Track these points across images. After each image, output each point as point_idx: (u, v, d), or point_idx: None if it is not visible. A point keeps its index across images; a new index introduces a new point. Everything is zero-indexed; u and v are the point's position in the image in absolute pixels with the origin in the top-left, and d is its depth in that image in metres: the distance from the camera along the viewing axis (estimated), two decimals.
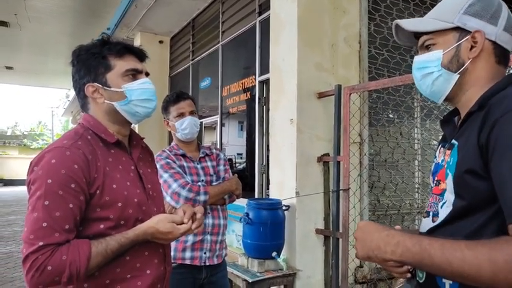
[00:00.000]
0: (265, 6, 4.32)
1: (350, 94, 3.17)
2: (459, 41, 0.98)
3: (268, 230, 3.01)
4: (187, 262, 2.08)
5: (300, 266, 3.22)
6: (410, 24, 1.06)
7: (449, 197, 0.96)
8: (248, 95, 4.73)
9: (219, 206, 2.20)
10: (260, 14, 4.46)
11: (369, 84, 3.17)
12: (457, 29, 0.99)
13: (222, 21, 5.39)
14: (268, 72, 3.81)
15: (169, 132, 2.51)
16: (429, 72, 1.02)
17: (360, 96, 3.43)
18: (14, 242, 7.15)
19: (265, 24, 4.15)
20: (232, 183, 2.21)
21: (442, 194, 1.00)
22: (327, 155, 3.37)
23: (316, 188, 3.34)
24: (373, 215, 3.69)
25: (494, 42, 0.97)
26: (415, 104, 4.17)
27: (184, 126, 2.13)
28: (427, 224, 1.04)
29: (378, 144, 3.76)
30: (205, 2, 5.75)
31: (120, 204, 1.18)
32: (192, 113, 2.18)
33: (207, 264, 2.11)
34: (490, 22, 0.97)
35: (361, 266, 3.46)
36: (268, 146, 3.93)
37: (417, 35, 1.07)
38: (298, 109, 3.28)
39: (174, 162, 2.13)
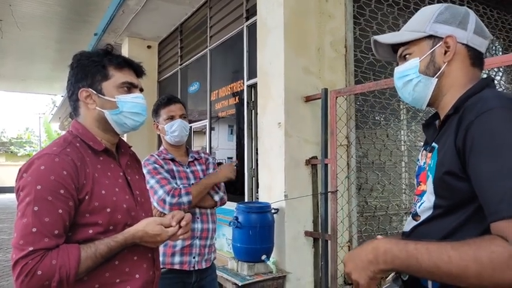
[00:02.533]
0: (252, 11, 4.36)
1: (336, 98, 3.22)
2: (433, 47, 1.05)
3: (258, 234, 3.03)
4: (177, 267, 2.08)
5: (290, 268, 3.24)
6: (387, 38, 1.13)
7: (430, 197, 1.00)
8: (237, 99, 4.75)
9: (208, 210, 2.21)
10: (247, 19, 4.49)
11: (355, 88, 3.22)
12: (430, 37, 1.05)
13: (210, 26, 5.42)
14: (256, 76, 3.84)
15: (159, 137, 2.51)
16: (409, 79, 1.08)
17: (346, 99, 3.48)
18: (1, 250, 7.04)
19: (253, 29, 4.18)
20: (210, 177, 2.18)
21: (421, 194, 1.05)
22: (315, 157, 3.41)
23: (305, 191, 3.38)
24: (361, 216, 3.74)
25: (467, 46, 1.03)
26: (401, 107, 4.24)
27: (174, 128, 2.14)
28: (409, 223, 1.09)
29: (364, 146, 3.81)
30: (193, 7, 5.77)
31: (109, 210, 1.20)
32: (182, 117, 2.20)
33: (196, 268, 2.12)
34: (459, 27, 1.03)
35: None
36: (257, 149, 3.96)
37: (395, 47, 1.14)
38: (286, 113, 3.32)
39: (162, 167, 2.13)
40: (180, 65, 6.43)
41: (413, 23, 1.10)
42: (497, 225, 0.81)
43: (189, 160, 2.26)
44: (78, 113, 1.33)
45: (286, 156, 3.30)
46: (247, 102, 4.40)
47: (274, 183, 3.41)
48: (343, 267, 3.52)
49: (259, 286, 3.01)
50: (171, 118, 2.17)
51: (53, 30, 7.70)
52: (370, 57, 3.84)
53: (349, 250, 3.54)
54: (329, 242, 3.18)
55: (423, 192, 1.04)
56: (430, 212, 1.00)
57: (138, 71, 1.38)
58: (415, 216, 1.07)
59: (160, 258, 1.98)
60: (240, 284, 2.88)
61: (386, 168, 3.94)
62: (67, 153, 1.18)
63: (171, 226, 1.31)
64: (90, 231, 1.17)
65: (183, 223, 1.35)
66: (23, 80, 12.45)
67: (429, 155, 1.03)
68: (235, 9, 4.79)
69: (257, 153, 4.00)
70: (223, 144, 5.41)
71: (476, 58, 1.05)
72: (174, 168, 2.17)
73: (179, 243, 2.08)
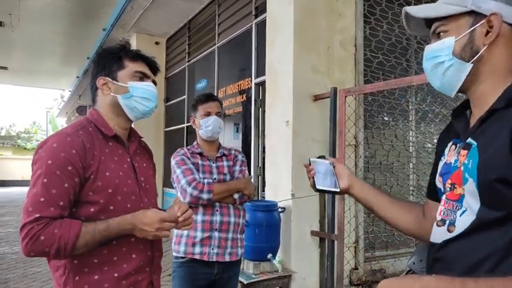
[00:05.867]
0: (261, 9, 4.34)
1: (345, 97, 3.19)
2: (473, 26, 0.88)
3: (264, 232, 3.01)
4: (197, 257, 2.14)
5: (295, 268, 3.22)
6: (420, 10, 0.96)
7: (472, 204, 0.84)
8: (244, 97, 4.73)
9: (229, 205, 2.23)
10: (256, 16, 4.47)
11: (364, 87, 3.19)
12: (471, 13, 0.88)
13: (218, 23, 5.40)
14: (264, 74, 3.82)
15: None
16: (440, 61, 0.92)
17: (355, 99, 3.45)
18: (8, 243, 7.08)
19: (262, 27, 4.16)
20: (240, 182, 2.26)
21: (460, 200, 0.88)
22: (323, 157, 3.38)
23: (312, 190, 3.34)
24: (368, 217, 3.71)
25: None
26: (410, 107, 4.20)
27: (209, 123, 2.26)
28: (441, 233, 0.91)
29: (373, 146, 3.78)
30: (202, 4, 5.76)
31: (110, 191, 1.30)
32: (217, 114, 2.32)
33: (215, 260, 2.16)
34: (508, 3, 0.86)
35: (356, 268, 3.47)
36: (264, 148, 3.94)
37: (429, 22, 0.97)
38: (294, 111, 3.30)
39: (189, 159, 2.23)
40: (188, 61, 6.42)
41: None
42: None
43: (217, 155, 2.32)
44: (96, 101, 1.45)
45: (294, 155, 3.28)
46: (255, 100, 4.38)
47: (281, 181, 3.39)
48: (349, 267, 3.48)
49: (264, 285, 3.00)
50: (208, 114, 2.30)
51: (61, 25, 7.73)
52: (379, 57, 3.81)
53: (355, 251, 3.52)
54: (335, 242, 3.15)
55: (462, 196, 0.87)
56: (471, 223, 0.83)
57: (153, 66, 1.50)
58: (450, 225, 0.89)
59: (182, 248, 2.15)
60: (245, 283, 2.87)
61: (394, 169, 3.91)
62: (79, 135, 1.30)
63: (174, 220, 1.36)
64: (92, 209, 1.27)
65: (180, 219, 1.39)
66: (30, 74, 12.54)
67: (464, 152, 0.88)
68: (244, 7, 4.77)
69: (264, 151, 3.98)
70: (229, 142, 5.39)
71: None
72: (200, 162, 2.26)
73: (199, 234, 2.14)
